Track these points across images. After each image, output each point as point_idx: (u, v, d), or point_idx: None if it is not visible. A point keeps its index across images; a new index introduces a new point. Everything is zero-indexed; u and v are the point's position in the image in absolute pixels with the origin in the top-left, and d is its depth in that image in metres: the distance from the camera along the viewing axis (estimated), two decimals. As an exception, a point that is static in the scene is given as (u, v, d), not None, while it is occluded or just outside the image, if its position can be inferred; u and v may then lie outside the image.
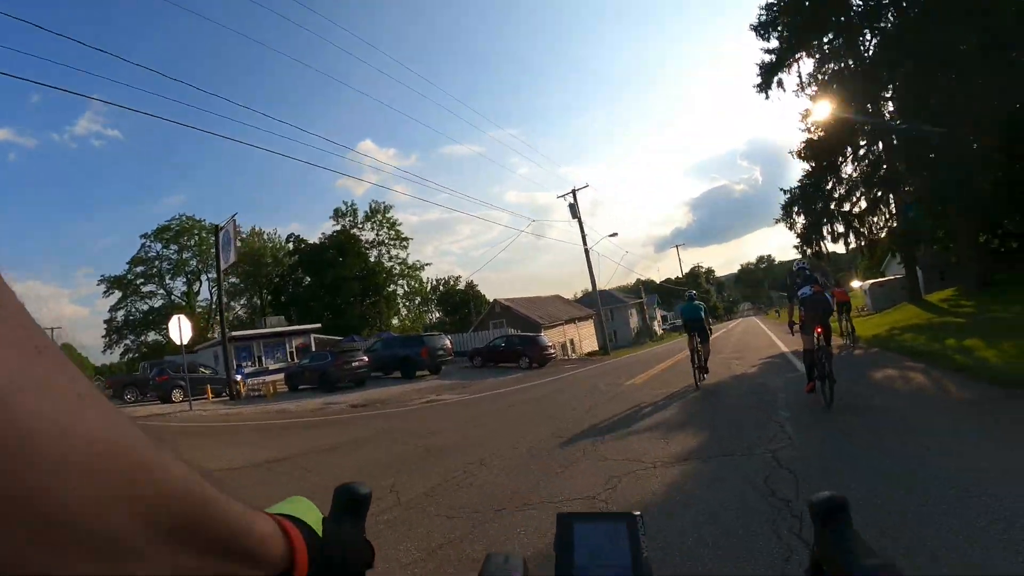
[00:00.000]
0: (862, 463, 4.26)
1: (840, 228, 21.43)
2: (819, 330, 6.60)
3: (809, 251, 22.06)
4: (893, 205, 21.17)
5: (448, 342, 24.28)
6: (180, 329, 16.77)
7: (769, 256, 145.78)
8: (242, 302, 62.03)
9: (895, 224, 20.74)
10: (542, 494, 4.58)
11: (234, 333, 34.72)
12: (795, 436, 5.34)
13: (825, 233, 21.53)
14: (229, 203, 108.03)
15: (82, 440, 0.24)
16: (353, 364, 20.38)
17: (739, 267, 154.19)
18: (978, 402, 5.82)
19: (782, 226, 22.81)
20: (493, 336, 29.16)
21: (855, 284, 37.61)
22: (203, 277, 58.27)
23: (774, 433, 5.60)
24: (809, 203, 21.74)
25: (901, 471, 3.91)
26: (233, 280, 59.40)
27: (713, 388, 9.63)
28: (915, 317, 17.71)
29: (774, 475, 4.27)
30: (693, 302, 10.97)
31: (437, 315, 66.93)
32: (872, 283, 29.46)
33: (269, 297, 59.08)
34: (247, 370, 27.88)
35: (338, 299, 52.96)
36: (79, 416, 0.25)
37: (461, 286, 66.92)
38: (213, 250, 56.60)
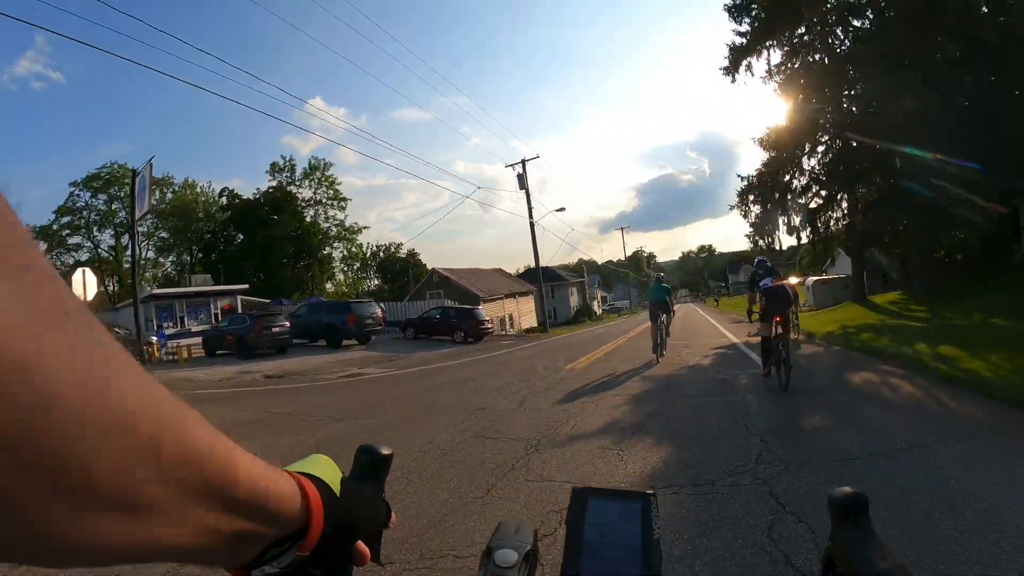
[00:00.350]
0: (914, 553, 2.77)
1: (796, 220, 20.77)
2: (778, 319, 6.90)
3: (761, 242, 21.43)
4: (846, 205, 20.75)
5: (379, 311, 22.55)
6: (84, 284, 14.84)
7: (710, 246, 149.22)
8: (171, 258, 57.63)
9: (850, 222, 20.19)
10: (447, 539, 3.11)
11: (155, 291, 31.99)
12: (789, 461, 4.06)
13: (781, 224, 20.86)
14: (170, 154, 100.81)
15: (108, 404, 0.25)
16: (274, 330, 18.72)
17: (680, 254, 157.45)
18: (996, 426, 4.71)
19: (725, 218, 22.42)
20: (429, 307, 27.47)
21: (793, 280, 37.90)
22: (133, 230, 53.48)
23: (758, 452, 4.32)
24: (767, 192, 20.98)
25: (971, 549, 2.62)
26: (163, 235, 55.54)
27: (667, 381, 8.42)
28: (864, 317, 17.26)
29: (780, 525, 2.96)
30: (661, 284, 11.88)
31: (376, 282, 64.76)
32: (815, 280, 29.42)
33: (199, 254, 55.17)
34: (168, 332, 25.49)
35: (270, 259, 50.05)
36: (105, 381, 0.25)
37: (402, 254, 64.73)
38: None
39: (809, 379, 7.53)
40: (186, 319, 30.28)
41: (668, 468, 4.17)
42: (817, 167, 20.95)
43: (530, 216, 30.94)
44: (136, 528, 0.27)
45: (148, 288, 36.34)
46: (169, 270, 56.24)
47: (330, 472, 0.47)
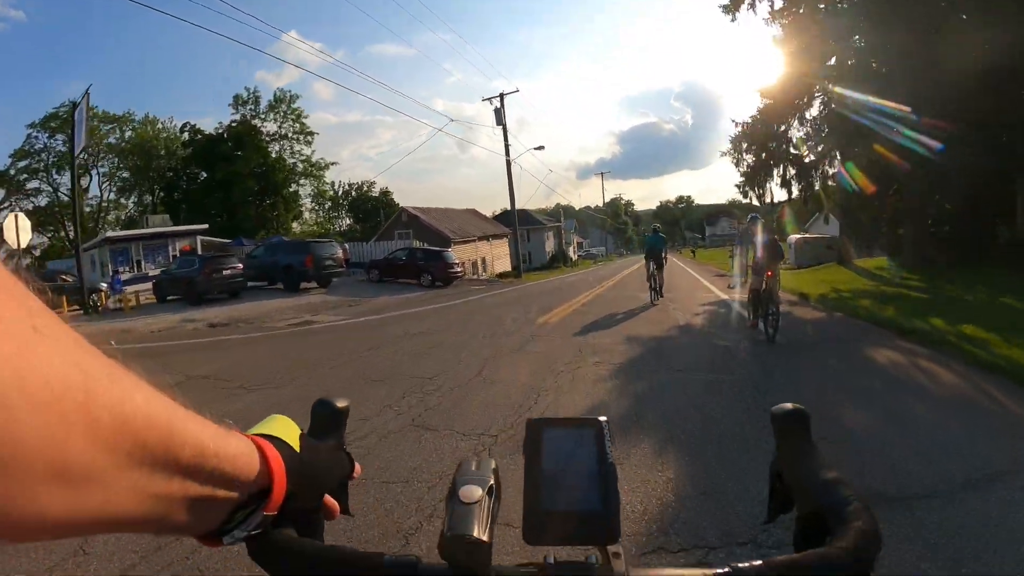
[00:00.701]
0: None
1: (791, 173, 19.42)
2: (769, 273, 7.11)
3: (752, 193, 20.18)
4: (840, 160, 19.50)
5: (340, 251, 20.96)
6: (17, 230, 13.64)
7: (689, 197, 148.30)
8: (133, 199, 53.87)
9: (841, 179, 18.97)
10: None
11: (109, 234, 29.80)
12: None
13: (776, 176, 19.53)
14: (138, 92, 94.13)
15: (34, 375, 0.24)
16: (224, 272, 17.15)
17: (658, 203, 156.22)
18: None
19: (705, 170, 20.97)
20: (397, 247, 25.84)
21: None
22: (93, 171, 49.86)
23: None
24: (762, 141, 19.54)
25: None
26: (124, 175, 51.94)
27: (657, 345, 7.25)
28: (853, 280, 16.38)
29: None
30: (658, 234, 12.67)
31: (348, 222, 62.36)
32: (798, 238, 28.48)
33: (161, 194, 51.64)
34: (124, 277, 23.55)
35: (233, 197, 47.08)
36: (32, 350, 0.25)
37: (375, 192, 62.21)
38: (107, 140, 48.99)
39: (826, 356, 6.42)
40: (143, 263, 28.37)
41: (676, 492, 2.95)
42: (818, 118, 19.52)
43: (507, 154, 29.12)
44: (80, 500, 0.26)
45: (106, 232, 33.72)
46: (132, 211, 52.72)
47: (289, 430, 0.47)
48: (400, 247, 24.53)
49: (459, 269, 21.42)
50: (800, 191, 19.81)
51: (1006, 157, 15.00)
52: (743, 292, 9.69)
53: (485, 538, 0.41)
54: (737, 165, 20.24)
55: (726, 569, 0.43)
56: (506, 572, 0.45)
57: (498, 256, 40.40)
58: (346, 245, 28.21)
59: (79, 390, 0.26)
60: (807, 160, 19.09)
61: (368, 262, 23.32)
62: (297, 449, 0.46)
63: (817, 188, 19.51)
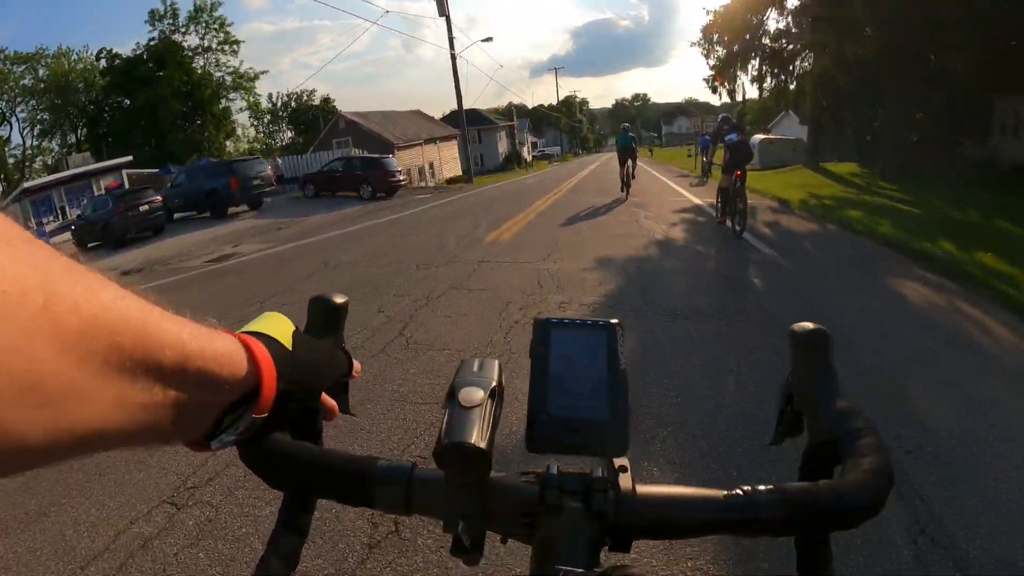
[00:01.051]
0: None
1: (766, 68, 17.60)
2: (738, 173, 7.35)
3: (722, 88, 18.41)
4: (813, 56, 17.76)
5: (268, 168, 18.71)
6: None
7: (644, 95, 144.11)
8: (56, 142, 47.63)
9: (829, 77, 17.27)
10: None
11: (26, 185, 26.07)
12: None
13: (751, 70, 17.69)
14: (48, 24, 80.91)
15: None
16: (141, 209, 15.25)
17: (614, 102, 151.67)
18: None
19: (661, 68, 19.11)
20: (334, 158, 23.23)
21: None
22: (12, 119, 43.85)
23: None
24: (737, 31, 17.50)
25: None
26: (45, 116, 45.74)
27: (637, 272, 5.83)
28: (828, 186, 15.24)
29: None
30: (627, 134, 13.68)
31: (290, 135, 57.65)
32: (763, 138, 27.16)
33: (85, 131, 46.15)
34: (49, 227, 21.06)
35: (158, 122, 42.52)
36: None
37: (316, 101, 57.16)
38: (23, 82, 42.53)
39: (851, 289, 5.15)
40: (67, 209, 24.88)
41: None
42: (798, 8, 17.49)
43: (451, 47, 25.94)
44: (59, 418, 0.24)
45: (26, 182, 29.44)
46: (57, 155, 46.76)
47: (281, 328, 0.44)
48: (337, 157, 21.95)
49: (402, 177, 19.27)
50: (774, 87, 18.11)
51: (987, 73, 14.15)
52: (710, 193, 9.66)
53: (484, 445, 0.38)
54: (707, 57, 18.25)
55: (738, 491, 0.41)
56: (505, 482, 0.44)
57: (447, 159, 37.78)
58: (278, 160, 25.64)
59: (38, 292, 0.23)
60: (786, 52, 17.24)
61: (302, 176, 20.94)
62: (289, 347, 0.42)
63: (794, 86, 17.77)
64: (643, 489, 0.42)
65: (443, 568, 1.97)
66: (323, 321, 0.52)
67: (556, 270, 6.17)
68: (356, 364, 0.52)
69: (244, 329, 0.42)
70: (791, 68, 17.42)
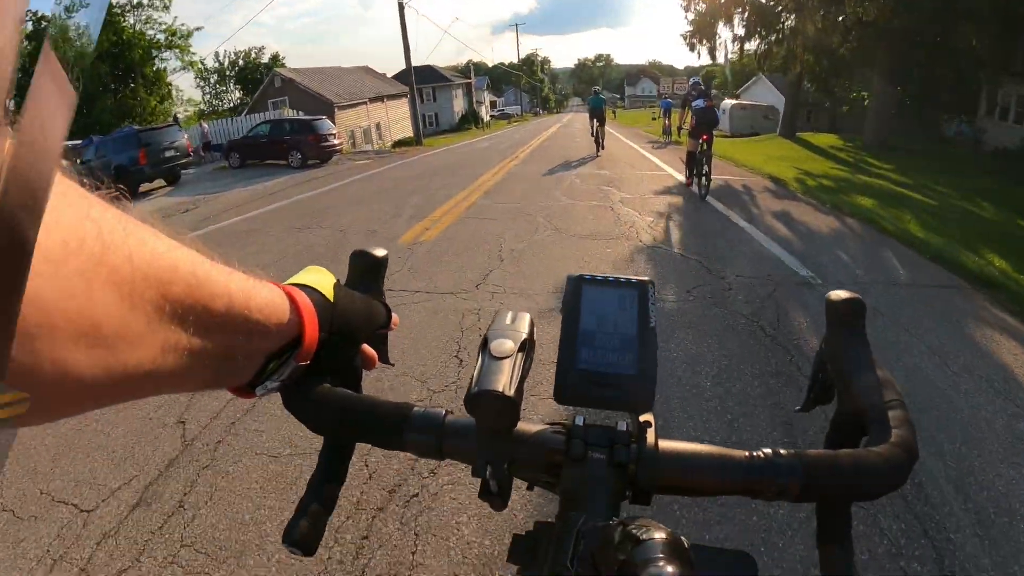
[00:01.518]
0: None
1: (753, 22, 15.68)
2: (704, 137, 7.56)
3: (699, 45, 16.50)
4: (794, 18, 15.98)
5: (185, 136, 15.83)
6: None
7: (608, 55, 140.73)
8: None
9: (824, 41, 15.49)
10: None
11: None
12: None
13: (738, 24, 15.73)
14: None
15: (46, 230, 0.22)
16: None
17: (576, 61, 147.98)
18: None
19: (624, 29, 17.53)
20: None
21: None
22: None
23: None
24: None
25: None
26: None
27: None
28: (814, 161, 13.73)
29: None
30: (599, 96, 14.31)
31: (238, 96, 53.29)
32: (734, 104, 25.52)
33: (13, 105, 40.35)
34: None
35: (86, 88, 37.08)
36: (33, 197, 0.22)
37: (265, 59, 52.73)
38: None
39: (925, 332, 3.43)
40: None
41: None
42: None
43: (400, -8, 23.17)
44: (112, 359, 0.25)
45: None
46: None
47: (323, 280, 0.45)
48: (263, 121, 19.17)
49: (336, 141, 16.76)
50: (758, 47, 16.28)
51: (1000, 51, 13.25)
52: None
53: (511, 394, 0.39)
54: (687, 11, 16.25)
55: (759, 453, 0.41)
56: (533, 431, 0.44)
57: (397, 119, 34.88)
58: (204, 125, 22.69)
59: (95, 241, 0.24)
60: (778, 8, 15.31)
61: (226, 143, 18.23)
62: (331, 299, 0.44)
63: (782, 40, 15.93)
64: (666, 445, 0.42)
65: None
66: (363, 274, 0.53)
67: (501, 303, 4.29)
68: (395, 316, 0.53)
69: (289, 281, 0.43)
70: (779, 27, 15.56)
